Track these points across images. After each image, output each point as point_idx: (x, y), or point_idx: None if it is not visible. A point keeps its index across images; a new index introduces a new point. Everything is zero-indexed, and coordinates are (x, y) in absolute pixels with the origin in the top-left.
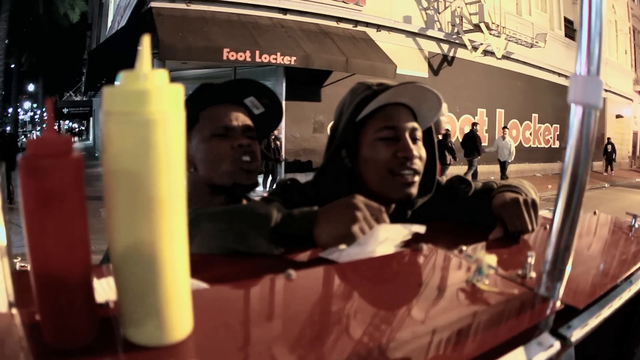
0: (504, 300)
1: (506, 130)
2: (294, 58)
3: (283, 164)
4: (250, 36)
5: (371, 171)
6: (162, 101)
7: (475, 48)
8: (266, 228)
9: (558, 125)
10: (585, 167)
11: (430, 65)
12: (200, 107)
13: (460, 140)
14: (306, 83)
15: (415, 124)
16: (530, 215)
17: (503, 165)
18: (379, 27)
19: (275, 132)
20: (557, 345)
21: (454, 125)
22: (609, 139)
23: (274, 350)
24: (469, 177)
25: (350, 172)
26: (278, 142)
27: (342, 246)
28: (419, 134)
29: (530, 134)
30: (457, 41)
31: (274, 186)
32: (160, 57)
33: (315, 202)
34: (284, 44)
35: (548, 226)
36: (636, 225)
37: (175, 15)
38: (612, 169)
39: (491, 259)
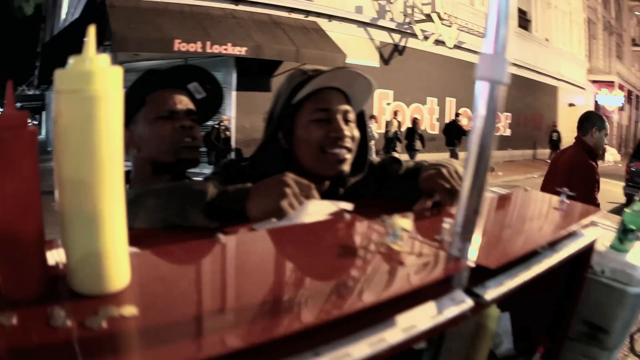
0: (418, 260)
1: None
2: (244, 48)
3: (233, 154)
4: (201, 27)
5: (305, 150)
6: (105, 80)
7: (426, 38)
8: (202, 202)
9: (510, 114)
10: (490, 137)
11: (381, 55)
12: (147, 91)
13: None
14: (257, 73)
15: (347, 107)
16: (451, 183)
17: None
18: (330, 17)
19: (225, 122)
20: (469, 301)
21: (404, 114)
22: (554, 126)
23: (202, 297)
24: None
25: (286, 153)
26: (228, 133)
27: (273, 220)
28: (351, 115)
29: None
30: (408, 31)
31: (215, 167)
32: (113, 49)
33: (254, 181)
34: (235, 34)
35: None
36: (565, 200)
37: (128, 6)
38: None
39: (405, 223)
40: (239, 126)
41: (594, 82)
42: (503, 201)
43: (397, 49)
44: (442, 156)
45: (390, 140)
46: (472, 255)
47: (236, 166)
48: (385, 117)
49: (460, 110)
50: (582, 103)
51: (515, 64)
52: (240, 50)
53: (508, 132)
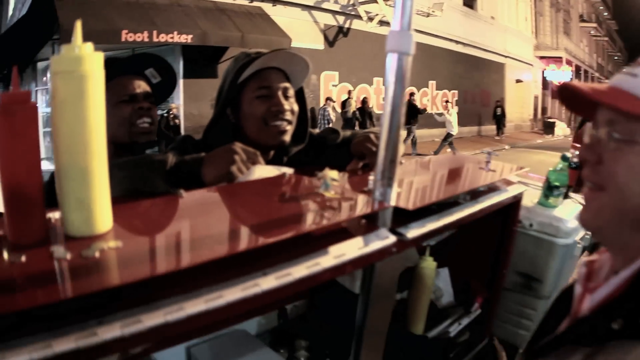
0: (347, 203)
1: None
2: (190, 36)
3: None
4: (147, 17)
5: (250, 123)
6: (91, 63)
7: (370, 19)
8: (163, 170)
9: (456, 91)
10: (400, 99)
11: (325, 37)
12: (108, 77)
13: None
14: (203, 60)
15: (287, 84)
16: (377, 146)
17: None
18: (274, 1)
19: (174, 110)
20: (392, 237)
21: (351, 95)
22: (497, 102)
23: (169, 232)
24: (408, 143)
25: (234, 126)
26: (177, 120)
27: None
28: (290, 92)
29: (428, 100)
30: (352, 13)
31: (173, 143)
32: (60, 42)
33: (207, 152)
34: (181, 22)
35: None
36: (490, 161)
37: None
38: (502, 132)
39: (334, 174)
40: (188, 114)
41: (542, 58)
42: (431, 162)
43: (342, 31)
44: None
45: (349, 120)
46: (392, 198)
47: (191, 141)
48: (332, 98)
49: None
50: (529, 79)
51: (460, 42)
52: (187, 38)
53: (455, 109)
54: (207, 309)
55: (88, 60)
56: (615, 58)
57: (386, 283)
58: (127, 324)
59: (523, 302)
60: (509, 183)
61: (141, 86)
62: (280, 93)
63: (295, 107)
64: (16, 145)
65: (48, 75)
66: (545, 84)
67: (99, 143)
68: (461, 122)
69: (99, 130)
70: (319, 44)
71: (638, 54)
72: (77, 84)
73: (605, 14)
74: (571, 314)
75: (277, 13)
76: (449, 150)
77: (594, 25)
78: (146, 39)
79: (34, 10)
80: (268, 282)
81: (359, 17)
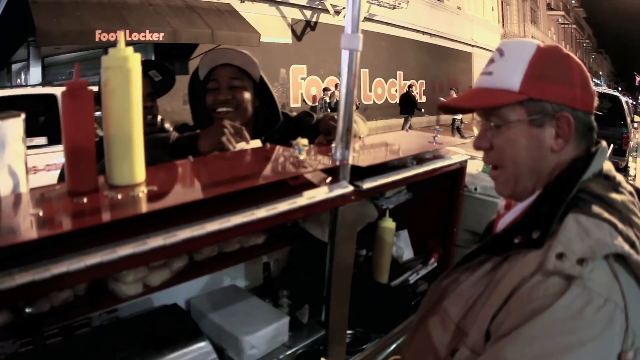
0: (315, 162)
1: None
2: (162, 34)
3: None
4: (120, 16)
5: (206, 112)
6: (134, 61)
7: (337, 12)
8: (167, 144)
9: (424, 81)
10: (353, 86)
11: (293, 32)
12: None
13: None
14: (175, 57)
15: (236, 77)
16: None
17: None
18: None
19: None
20: (350, 187)
21: (319, 87)
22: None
23: (187, 180)
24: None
25: (205, 114)
26: (149, 117)
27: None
28: (237, 82)
29: (396, 91)
30: (319, 7)
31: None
32: (37, 43)
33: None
34: (152, 21)
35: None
36: (437, 136)
37: (49, 1)
38: (461, 122)
39: (305, 141)
40: (161, 110)
41: None
42: (387, 136)
43: (309, 25)
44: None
45: (334, 109)
46: (350, 158)
47: (187, 127)
48: (301, 90)
49: (374, 82)
50: None
51: (427, 33)
52: (158, 36)
53: (423, 99)
54: (220, 229)
55: (131, 59)
56: (584, 45)
57: (348, 227)
58: (167, 237)
59: None
60: (454, 154)
61: (145, 86)
62: (224, 85)
63: (245, 96)
64: (79, 119)
65: (22, 76)
66: None
67: (138, 117)
68: (429, 111)
69: (138, 108)
70: (287, 38)
71: (606, 41)
72: (125, 75)
73: (573, 1)
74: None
75: (245, 9)
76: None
77: (562, 13)
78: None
79: (8, 13)
80: (261, 212)
81: (326, 11)
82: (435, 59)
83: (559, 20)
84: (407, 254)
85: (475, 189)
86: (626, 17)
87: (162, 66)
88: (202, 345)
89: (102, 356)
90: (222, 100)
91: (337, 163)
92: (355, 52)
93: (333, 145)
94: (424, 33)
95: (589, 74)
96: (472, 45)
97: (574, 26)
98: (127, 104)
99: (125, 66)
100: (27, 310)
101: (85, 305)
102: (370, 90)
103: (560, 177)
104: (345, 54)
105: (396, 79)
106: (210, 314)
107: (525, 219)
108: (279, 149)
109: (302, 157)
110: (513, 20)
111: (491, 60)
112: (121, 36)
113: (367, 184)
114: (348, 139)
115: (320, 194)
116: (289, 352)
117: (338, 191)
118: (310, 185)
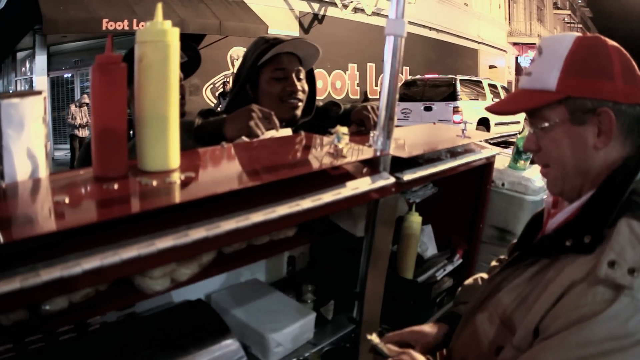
0: (357, 151)
1: None
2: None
3: None
4: (127, 5)
5: (267, 100)
6: (172, 35)
7: (345, 6)
8: (192, 129)
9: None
10: (397, 72)
11: (301, 24)
12: None
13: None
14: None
15: (299, 67)
16: (373, 114)
17: None
18: None
19: None
20: (391, 178)
21: (325, 80)
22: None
23: (222, 167)
24: None
25: (252, 101)
26: None
27: (245, 139)
28: (302, 74)
29: None
30: (327, 0)
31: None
32: (43, 31)
33: None
34: None
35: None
36: (466, 129)
37: None
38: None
39: (344, 130)
40: None
41: (515, 44)
42: (422, 128)
43: (317, 18)
44: None
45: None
46: (391, 148)
47: (212, 112)
48: None
49: (380, 77)
50: (503, 65)
51: (434, 29)
52: None
53: None
54: (265, 219)
55: (170, 33)
56: None
57: (387, 220)
58: (210, 228)
59: (497, 253)
60: (483, 148)
61: None
62: (293, 75)
63: (306, 87)
64: (111, 96)
65: (27, 65)
66: (518, 70)
67: (175, 97)
68: None
69: (175, 87)
70: (295, 30)
71: (612, 40)
72: (163, 50)
73: (580, 1)
74: (539, 234)
75: (253, 1)
76: None
77: (568, 12)
78: (126, 28)
79: (14, 1)
80: (306, 203)
81: (334, 4)
82: (441, 55)
83: (565, 19)
84: (431, 249)
85: (503, 185)
86: (632, 18)
87: (188, 45)
88: (229, 342)
89: (129, 353)
90: (296, 92)
91: (378, 153)
92: (400, 38)
93: (372, 134)
94: (430, 29)
95: (634, 64)
96: (479, 42)
97: (580, 26)
98: (164, 82)
99: (164, 40)
100: (45, 307)
101: (109, 301)
102: (376, 85)
103: (613, 177)
104: (389, 40)
105: (402, 74)
106: (233, 310)
107: (577, 221)
108: (316, 137)
109: (341, 146)
110: (519, 18)
111: (532, 60)
112: (159, 8)
113: (408, 176)
114: (390, 128)
115: (363, 184)
116: (314, 349)
117: (380, 182)
118: (351, 176)
